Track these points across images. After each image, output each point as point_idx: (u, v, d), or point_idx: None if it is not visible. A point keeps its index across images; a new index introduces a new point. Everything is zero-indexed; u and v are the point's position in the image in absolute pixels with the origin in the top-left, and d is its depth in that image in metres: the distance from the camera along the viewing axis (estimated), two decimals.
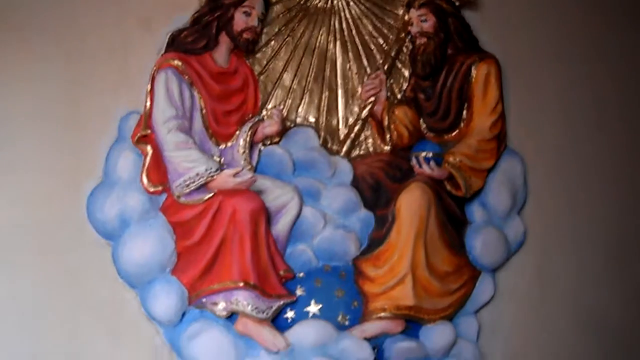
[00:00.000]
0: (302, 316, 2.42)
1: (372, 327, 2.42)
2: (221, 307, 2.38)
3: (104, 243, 2.47)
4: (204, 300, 2.39)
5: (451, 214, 2.51)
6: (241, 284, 2.35)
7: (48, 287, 2.46)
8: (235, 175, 2.36)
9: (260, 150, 2.51)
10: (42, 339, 2.44)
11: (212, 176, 2.35)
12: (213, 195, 2.37)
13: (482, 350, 2.61)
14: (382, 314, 2.43)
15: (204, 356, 2.38)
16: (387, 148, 2.60)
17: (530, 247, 2.70)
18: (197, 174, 2.34)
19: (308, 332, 2.38)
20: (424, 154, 2.50)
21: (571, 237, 2.75)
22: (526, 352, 2.69)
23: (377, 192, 2.52)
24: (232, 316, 2.41)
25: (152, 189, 2.42)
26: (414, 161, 2.51)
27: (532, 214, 2.70)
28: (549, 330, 2.71)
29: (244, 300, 2.36)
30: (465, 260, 2.55)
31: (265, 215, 2.37)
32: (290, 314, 2.43)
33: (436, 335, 2.48)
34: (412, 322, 2.48)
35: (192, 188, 2.36)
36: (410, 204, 2.42)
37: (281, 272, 2.43)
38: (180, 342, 2.41)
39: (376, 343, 2.43)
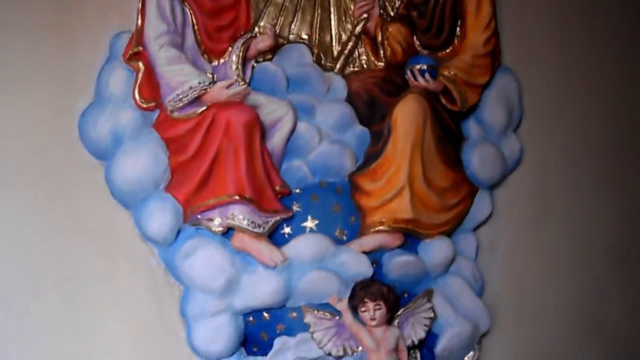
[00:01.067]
0: (299, 232, 2.39)
1: (370, 241, 2.40)
2: (217, 222, 2.35)
3: (97, 164, 2.44)
4: (199, 216, 2.36)
5: (447, 128, 2.49)
6: (237, 198, 2.31)
7: (40, 211, 2.41)
8: (228, 87, 2.33)
9: (253, 67, 2.47)
10: (35, 263, 2.40)
11: (205, 89, 2.32)
12: (207, 108, 2.33)
13: (480, 269, 2.58)
14: (380, 228, 2.40)
15: (200, 274, 2.34)
16: (381, 64, 2.57)
17: (527, 165, 2.69)
18: (190, 87, 2.31)
19: (306, 246, 2.35)
20: (418, 66, 2.48)
21: (568, 155, 2.74)
22: (525, 271, 2.69)
23: (372, 108, 2.49)
24: (228, 232, 2.37)
25: (144, 105, 2.39)
26: (408, 74, 2.49)
27: (528, 131, 2.70)
28: (548, 250, 2.71)
29: (239, 215, 2.32)
30: (463, 176, 2.53)
31: (260, 128, 2.35)
32: (287, 229, 2.40)
33: (434, 250, 2.46)
34: (410, 237, 2.45)
35: (185, 102, 2.32)
36: (407, 115, 2.39)
37: (277, 188, 2.40)
38: (175, 261, 2.38)
39: (374, 257, 2.40)
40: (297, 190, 2.44)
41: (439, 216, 2.46)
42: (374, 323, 2.33)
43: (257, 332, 2.41)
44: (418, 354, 2.47)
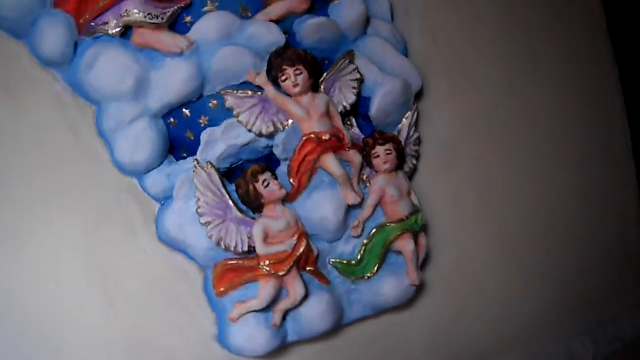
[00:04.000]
0: (199, 15, 2.24)
1: (275, 8, 2.28)
2: (113, 24, 2.21)
3: None
4: (93, 24, 2.21)
5: None
6: None
7: None
8: None
9: None
10: None
11: None
12: None
13: (400, 31, 2.48)
14: None
15: (107, 81, 2.20)
16: None
17: None
18: None
19: (210, 25, 2.22)
20: None
21: None
22: (449, 32, 2.58)
23: None
24: (127, 34, 2.22)
25: None
26: None
27: None
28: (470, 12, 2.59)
29: (134, 9, 2.18)
30: None
31: None
32: (188, 18, 2.27)
33: (345, 8, 2.34)
34: (318, 2, 2.33)
35: None
36: None
37: None
38: (79, 77, 2.23)
39: (285, 27, 2.28)
40: None
41: None
42: (297, 90, 2.20)
43: (181, 133, 2.28)
44: (354, 121, 2.35)
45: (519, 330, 2.62)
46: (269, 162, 2.27)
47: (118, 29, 2.21)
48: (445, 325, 2.52)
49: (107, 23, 2.21)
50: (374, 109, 2.32)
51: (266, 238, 2.18)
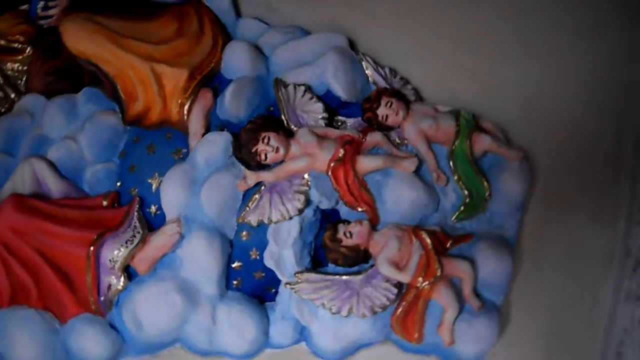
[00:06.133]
0: (158, 199, 2.11)
1: (195, 123, 2.17)
2: (114, 280, 2.08)
3: None
4: (102, 298, 2.08)
5: None
6: (93, 248, 2.03)
7: None
8: None
9: None
10: None
11: None
12: None
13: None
14: (186, 106, 2.15)
15: (163, 320, 2.09)
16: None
17: None
18: None
19: (172, 194, 2.10)
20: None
21: None
22: None
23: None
24: (131, 274, 2.08)
25: None
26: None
27: None
28: None
29: (114, 252, 2.07)
30: None
31: (31, 199, 2.10)
32: (152, 209, 2.14)
33: (235, 61, 2.22)
34: (213, 81, 2.21)
35: None
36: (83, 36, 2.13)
37: (104, 203, 2.12)
38: (142, 342, 2.13)
39: (216, 125, 2.19)
40: (118, 184, 2.19)
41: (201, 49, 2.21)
42: (282, 151, 2.06)
43: (252, 281, 2.16)
44: (340, 117, 2.21)
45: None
46: (330, 218, 2.12)
47: (122, 279, 2.08)
48: (566, 147, 2.32)
49: (110, 286, 2.09)
50: (341, 92, 2.19)
51: (398, 266, 2.03)
